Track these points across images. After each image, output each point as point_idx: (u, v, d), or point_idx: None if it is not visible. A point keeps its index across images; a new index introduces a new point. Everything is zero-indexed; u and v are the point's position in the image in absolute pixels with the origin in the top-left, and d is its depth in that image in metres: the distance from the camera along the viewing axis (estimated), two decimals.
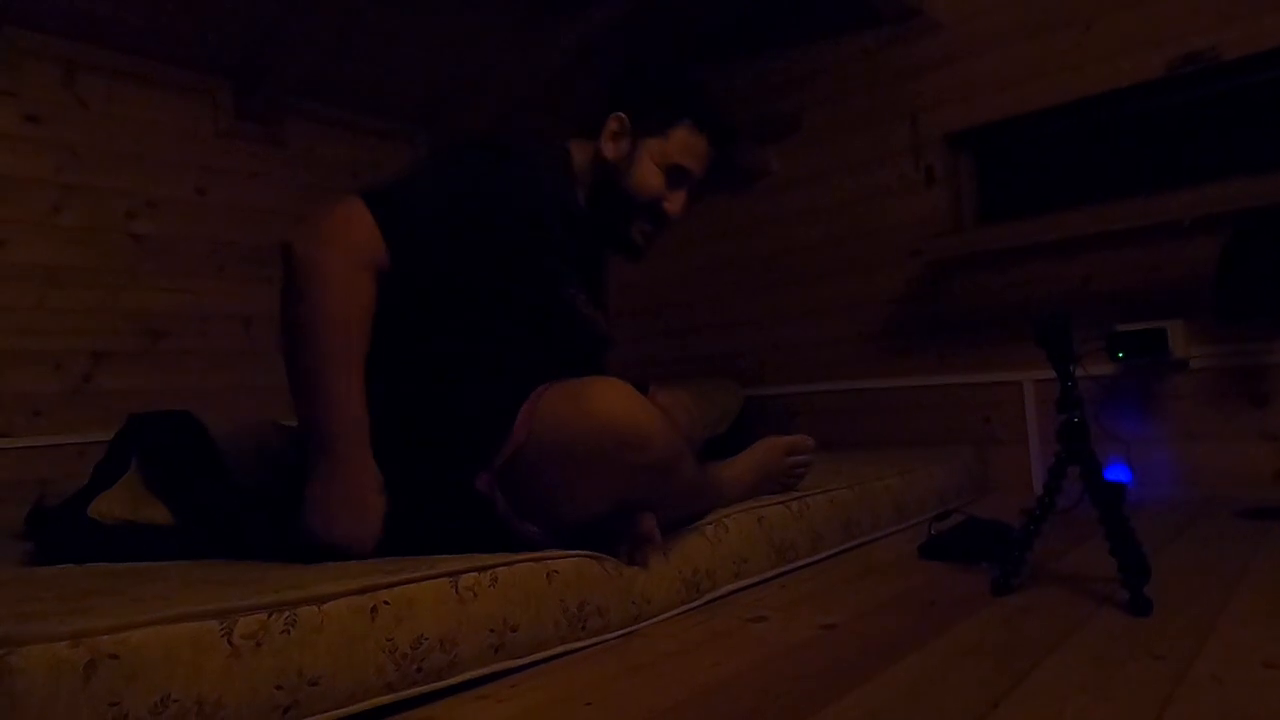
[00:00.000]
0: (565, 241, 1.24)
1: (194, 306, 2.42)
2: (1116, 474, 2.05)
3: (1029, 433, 2.26)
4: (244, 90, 2.52)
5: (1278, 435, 1.91)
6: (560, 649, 1.01)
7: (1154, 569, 1.09)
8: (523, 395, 1.09)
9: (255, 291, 2.55)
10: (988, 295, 2.34)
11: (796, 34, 2.75)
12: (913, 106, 2.49)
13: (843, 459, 2.03)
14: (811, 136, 2.71)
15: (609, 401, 1.04)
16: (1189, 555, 1.37)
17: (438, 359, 1.14)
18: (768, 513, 1.42)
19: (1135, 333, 2.02)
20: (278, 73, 2.45)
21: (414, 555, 1.03)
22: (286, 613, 0.78)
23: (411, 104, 2.85)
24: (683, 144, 1.29)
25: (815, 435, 1.65)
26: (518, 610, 0.97)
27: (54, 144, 2.20)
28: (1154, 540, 1.37)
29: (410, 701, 0.86)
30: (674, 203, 1.31)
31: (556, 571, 1.03)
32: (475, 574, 0.94)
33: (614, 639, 1.08)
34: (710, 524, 1.30)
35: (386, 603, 0.85)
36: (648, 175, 1.28)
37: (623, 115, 1.28)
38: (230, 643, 0.73)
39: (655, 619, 1.15)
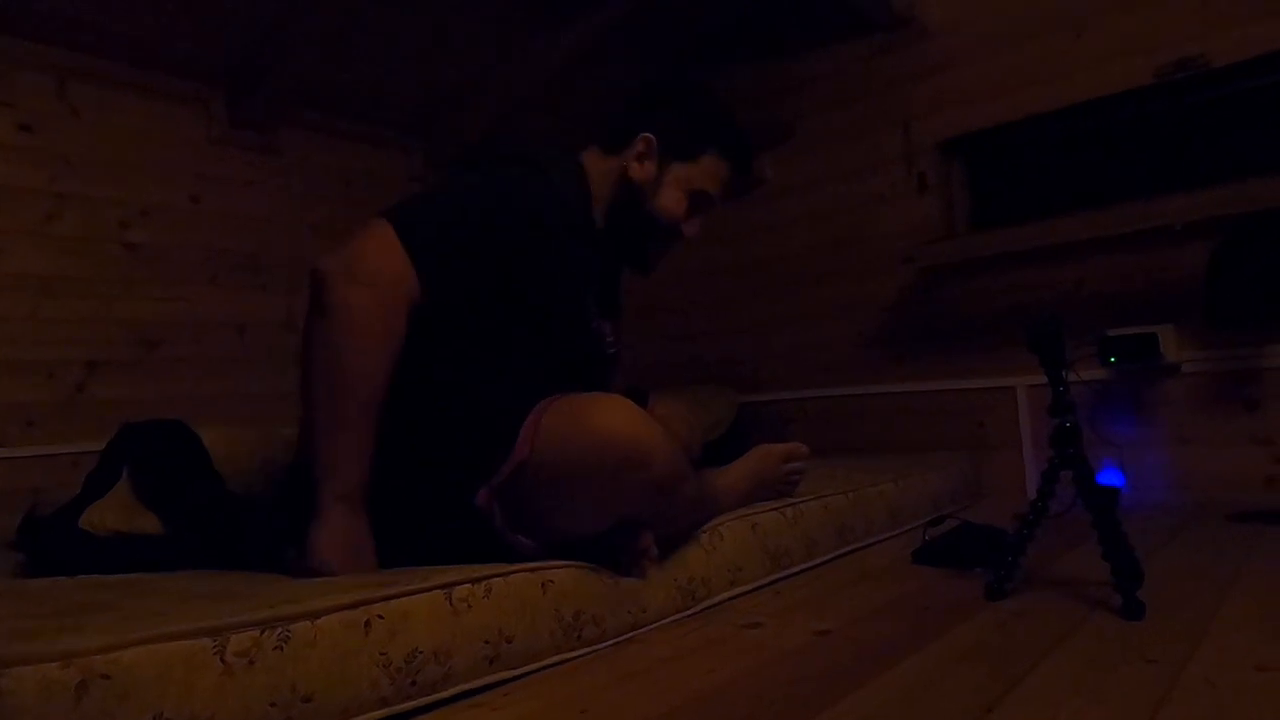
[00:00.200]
0: (585, 260, 1.24)
1: (188, 315, 2.41)
2: (1109, 478, 2.05)
3: (1022, 438, 2.26)
4: (239, 97, 2.52)
5: (1269, 440, 1.92)
6: (555, 658, 1.01)
7: (1146, 573, 1.10)
8: (526, 410, 1.08)
9: (249, 300, 2.55)
10: (980, 301, 2.35)
11: (790, 42, 2.76)
12: (905, 113, 2.50)
13: (837, 465, 2.03)
14: (805, 143, 2.73)
15: (612, 419, 1.03)
16: (1181, 559, 1.38)
17: (443, 373, 1.13)
18: (762, 519, 1.42)
19: (1127, 337, 2.03)
20: (274, 79, 2.45)
21: (408, 568, 1.03)
22: (279, 629, 0.77)
23: (410, 106, 2.86)
24: (708, 171, 1.30)
25: (810, 441, 1.65)
26: (512, 621, 0.97)
27: (47, 153, 2.19)
28: (1146, 544, 1.37)
29: (405, 715, 0.85)
30: (692, 226, 1.32)
31: (551, 581, 1.03)
32: (469, 585, 0.94)
33: (609, 647, 1.08)
34: (705, 532, 1.30)
35: (380, 616, 0.85)
36: (674, 200, 1.28)
37: (651, 137, 1.27)
38: (223, 660, 0.73)
39: (650, 626, 1.15)
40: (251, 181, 2.59)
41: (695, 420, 1.53)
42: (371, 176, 2.90)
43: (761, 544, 1.39)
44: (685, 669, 0.98)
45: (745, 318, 2.89)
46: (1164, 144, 2.18)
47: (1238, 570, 1.27)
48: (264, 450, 1.49)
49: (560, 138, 1.34)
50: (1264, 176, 1.86)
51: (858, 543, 1.65)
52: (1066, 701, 0.81)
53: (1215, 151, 2.09)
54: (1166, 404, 2.06)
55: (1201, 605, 1.09)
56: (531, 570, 1.02)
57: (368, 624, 0.83)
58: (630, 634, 1.12)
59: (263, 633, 0.76)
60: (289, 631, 0.78)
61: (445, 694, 0.89)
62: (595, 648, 1.06)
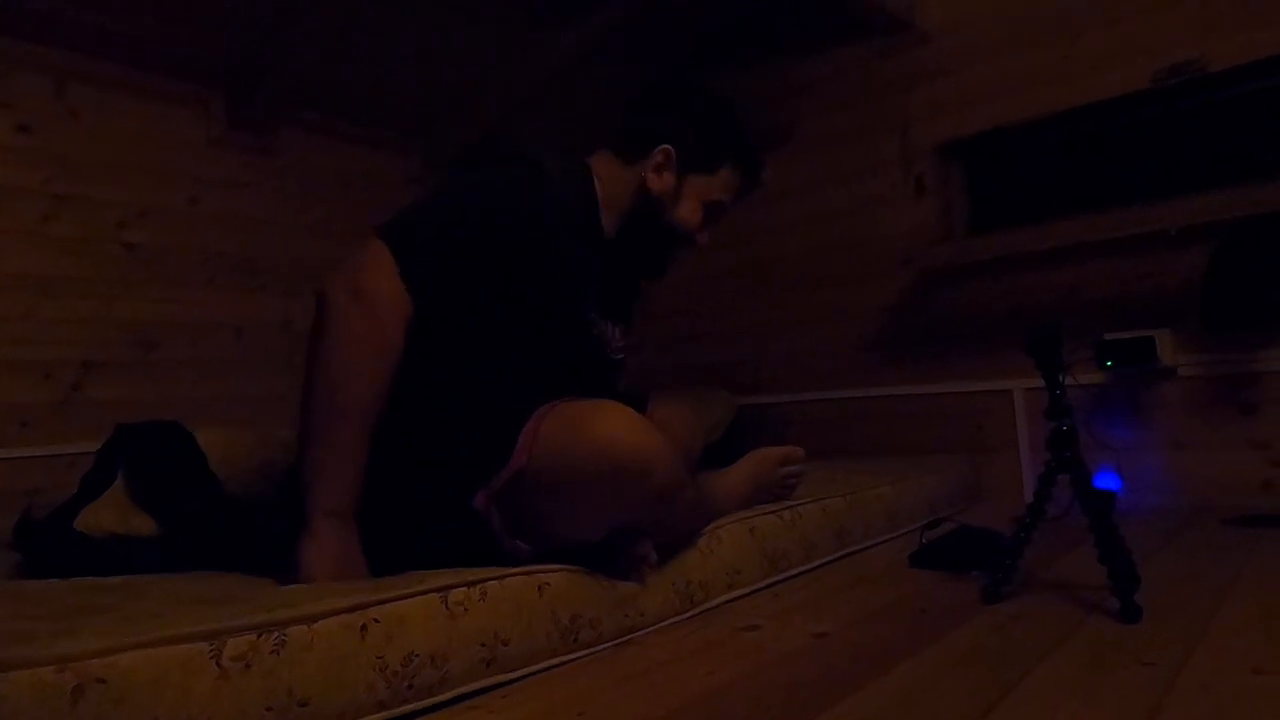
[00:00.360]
0: (586, 261, 1.23)
1: (185, 316, 2.41)
2: (1106, 482, 2.06)
3: (1019, 441, 2.27)
4: (238, 98, 2.52)
5: (1265, 444, 1.93)
6: (552, 661, 1.01)
7: (1143, 577, 1.10)
8: (525, 412, 1.08)
9: (247, 301, 2.55)
10: (978, 304, 2.36)
11: (789, 44, 2.77)
12: (903, 117, 2.51)
13: (835, 468, 2.03)
14: (804, 146, 2.73)
15: (612, 428, 1.02)
16: (1178, 563, 1.38)
17: (442, 373, 1.13)
18: (760, 523, 1.42)
19: (1124, 341, 2.04)
20: (274, 79, 2.45)
21: (404, 568, 1.02)
22: (276, 633, 0.77)
23: (410, 106, 2.86)
24: (725, 182, 1.32)
25: (808, 444, 1.66)
26: (509, 624, 0.96)
27: (45, 154, 2.19)
28: (1143, 548, 1.38)
29: (402, 719, 0.85)
30: (705, 235, 1.33)
31: (548, 584, 1.02)
32: (465, 589, 0.94)
33: (606, 649, 1.08)
34: (703, 535, 1.29)
35: (377, 620, 0.84)
36: (692, 212, 1.30)
37: (671, 150, 1.27)
38: (219, 664, 0.73)
39: (648, 629, 1.15)
40: (249, 183, 2.59)
41: (696, 423, 1.53)
42: (370, 178, 2.90)
43: (759, 547, 1.39)
44: (683, 671, 0.98)
45: (744, 320, 2.89)
46: (1161, 148, 2.19)
47: (1235, 574, 1.27)
48: (262, 452, 1.49)
49: (560, 138, 1.34)
50: (1260, 181, 1.87)
51: (855, 545, 1.65)
52: (1063, 705, 0.81)
53: (1212, 156, 2.10)
54: (1163, 408, 2.06)
55: (1198, 609, 1.10)
56: (528, 573, 1.01)
57: (364, 628, 0.83)
58: (627, 637, 1.12)
59: (259, 637, 0.76)
60: (285, 635, 0.77)
61: (442, 697, 0.89)
62: (592, 650, 1.06)
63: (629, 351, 1.42)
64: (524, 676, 0.97)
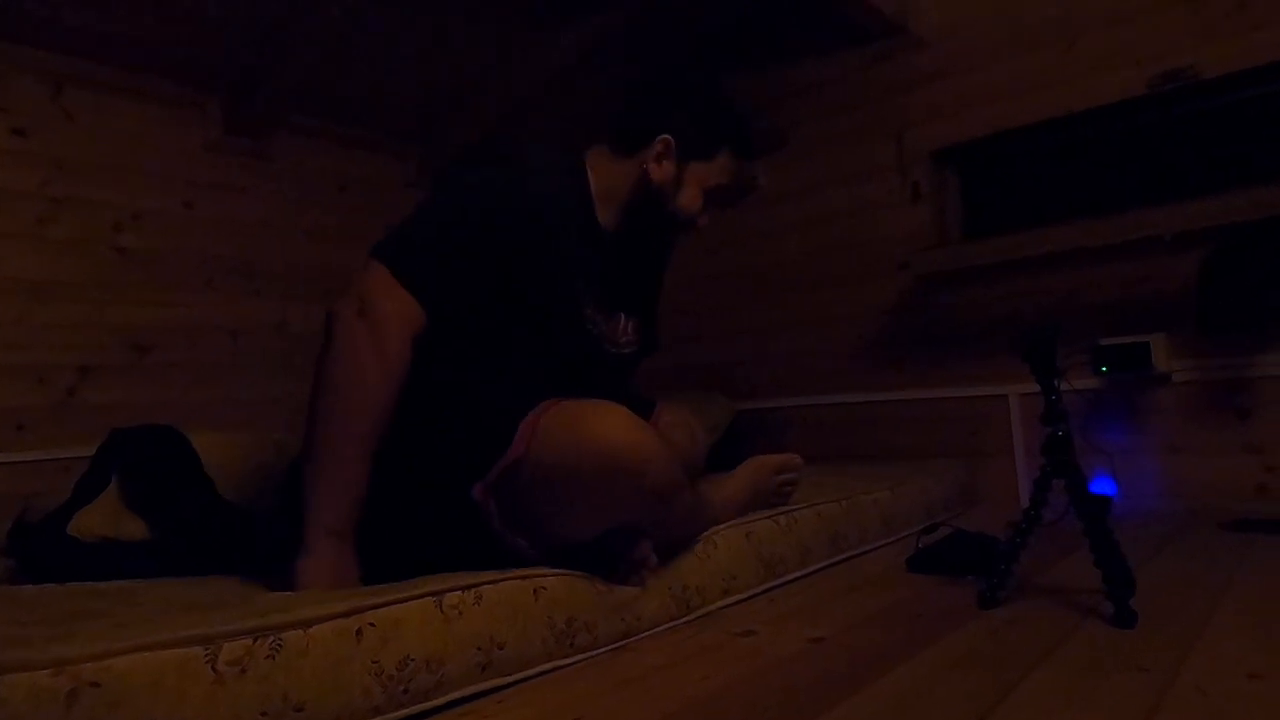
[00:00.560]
0: (583, 258, 1.24)
1: (181, 320, 2.41)
2: (1101, 487, 2.06)
3: (1015, 446, 2.27)
4: (236, 102, 2.52)
5: (1260, 448, 1.93)
6: (548, 666, 1.01)
7: (1138, 581, 1.10)
8: (525, 409, 1.09)
9: (243, 305, 2.54)
10: (973, 309, 2.36)
11: (786, 48, 2.77)
12: (899, 122, 2.52)
13: (831, 472, 2.03)
14: (801, 150, 2.74)
15: (608, 427, 1.03)
16: (1173, 567, 1.38)
17: (442, 373, 1.14)
18: (756, 528, 1.42)
19: (1119, 347, 2.04)
20: (274, 81, 2.45)
21: (404, 563, 1.03)
22: (271, 637, 0.77)
23: (410, 108, 2.86)
24: (723, 167, 1.32)
25: (804, 449, 1.65)
26: (504, 628, 0.96)
27: (40, 157, 2.19)
28: (1138, 553, 1.38)
29: None
30: (705, 218, 1.34)
31: (543, 588, 1.02)
32: (460, 593, 0.94)
33: (602, 654, 1.08)
34: (700, 540, 1.29)
35: (372, 624, 0.84)
36: (693, 199, 1.30)
37: (670, 139, 1.27)
38: (214, 669, 0.72)
39: (644, 634, 1.15)
40: (246, 187, 2.59)
41: (700, 428, 1.54)
42: (367, 182, 2.90)
43: (756, 552, 1.39)
44: (679, 676, 0.98)
45: (741, 324, 2.89)
46: (1156, 154, 2.20)
47: (1229, 578, 1.27)
48: (258, 455, 1.49)
49: (560, 138, 1.34)
50: (1253, 187, 1.88)
51: (852, 550, 1.65)
52: (1059, 709, 0.81)
53: (1207, 162, 2.11)
54: (1158, 412, 2.07)
55: (1193, 613, 1.10)
56: (523, 577, 1.01)
57: (359, 632, 0.83)
58: (623, 641, 1.12)
59: (255, 641, 0.76)
60: (281, 640, 0.77)
61: (438, 701, 0.89)
62: (588, 655, 1.06)
63: (649, 344, 1.42)
64: (520, 681, 0.97)
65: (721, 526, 1.36)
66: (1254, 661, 0.90)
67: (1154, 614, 1.08)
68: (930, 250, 2.42)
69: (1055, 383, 1.18)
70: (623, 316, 1.33)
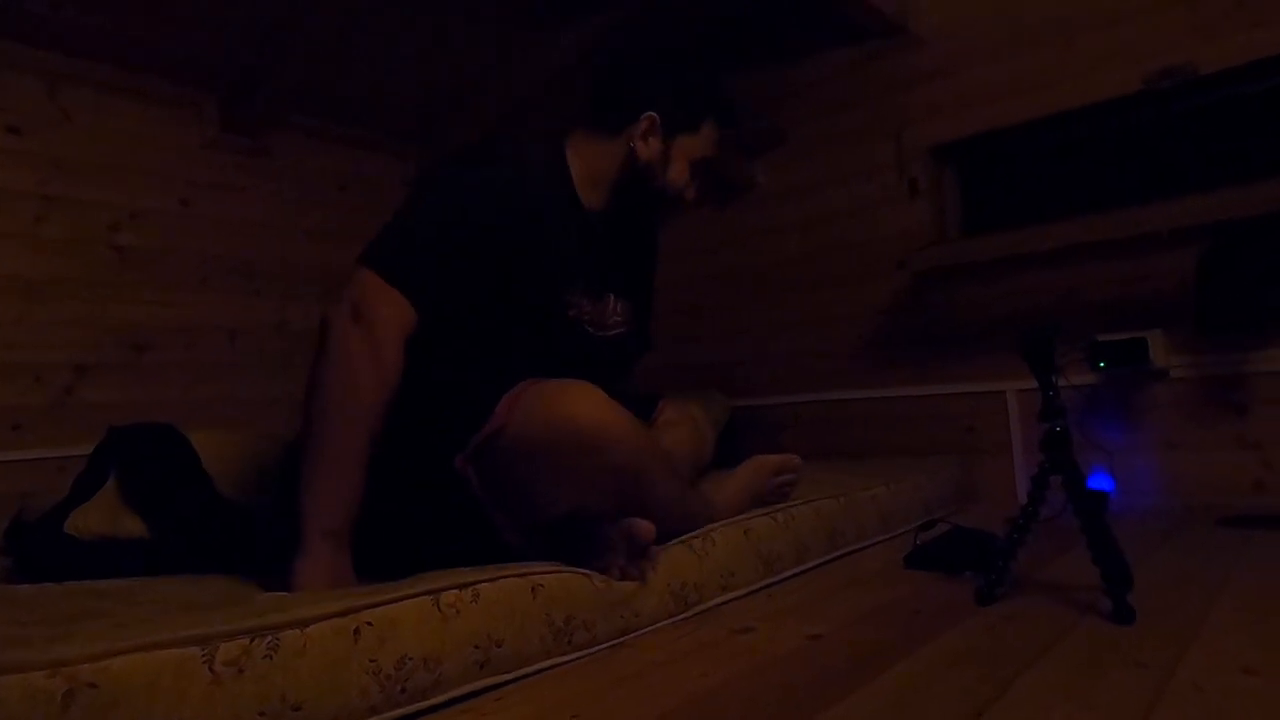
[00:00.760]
0: (566, 243, 1.24)
1: (179, 320, 2.40)
2: (1099, 483, 2.06)
3: (1013, 442, 2.27)
4: (235, 101, 2.51)
5: (1257, 444, 1.94)
6: (546, 663, 1.01)
7: (1136, 577, 1.10)
8: (507, 388, 1.11)
9: (241, 304, 2.54)
10: (971, 306, 2.36)
11: (784, 47, 2.77)
12: (899, 121, 2.52)
13: (829, 469, 2.04)
14: (800, 149, 2.73)
15: (573, 404, 1.06)
16: (1171, 564, 1.38)
17: (432, 367, 1.15)
18: (754, 524, 1.42)
19: (1116, 343, 2.04)
20: (273, 80, 2.44)
21: (392, 542, 1.05)
22: (269, 637, 0.77)
23: (410, 107, 2.85)
24: (709, 138, 1.33)
25: (802, 446, 1.66)
26: (502, 626, 0.96)
27: (36, 156, 2.19)
28: (1136, 549, 1.38)
29: None
30: (693, 190, 1.35)
31: (541, 586, 1.02)
32: (457, 591, 0.93)
33: (601, 651, 1.08)
34: (697, 537, 1.29)
35: (369, 624, 0.84)
36: (681, 172, 1.31)
37: (655, 116, 1.28)
38: (212, 669, 0.72)
39: (642, 631, 1.15)
40: (245, 186, 2.59)
41: (707, 423, 1.54)
42: (367, 182, 2.90)
43: (753, 549, 1.39)
44: (678, 673, 0.98)
45: (739, 322, 2.89)
46: (1152, 151, 2.20)
47: (1227, 575, 1.28)
48: (257, 453, 1.48)
49: (560, 138, 1.35)
50: (1251, 183, 1.88)
51: (849, 547, 1.66)
52: (1056, 706, 0.81)
53: (1204, 158, 2.11)
54: (1156, 409, 2.07)
55: (1191, 610, 1.10)
56: (521, 575, 1.01)
57: (357, 631, 0.83)
58: (622, 638, 1.12)
59: (252, 641, 0.75)
60: (278, 640, 0.77)
61: (435, 700, 0.88)
62: (586, 652, 1.06)
63: (642, 340, 1.42)
64: (518, 678, 0.97)
65: (719, 524, 1.36)
66: (1251, 658, 0.90)
67: (1151, 610, 1.08)
68: (929, 247, 2.42)
69: (1053, 379, 1.18)
70: (612, 298, 1.34)
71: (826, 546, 1.59)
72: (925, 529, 1.59)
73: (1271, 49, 1.93)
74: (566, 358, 1.25)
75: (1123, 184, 2.22)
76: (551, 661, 1.01)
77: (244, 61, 2.41)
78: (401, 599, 0.88)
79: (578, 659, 1.05)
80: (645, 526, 1.10)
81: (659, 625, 1.18)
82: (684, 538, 1.28)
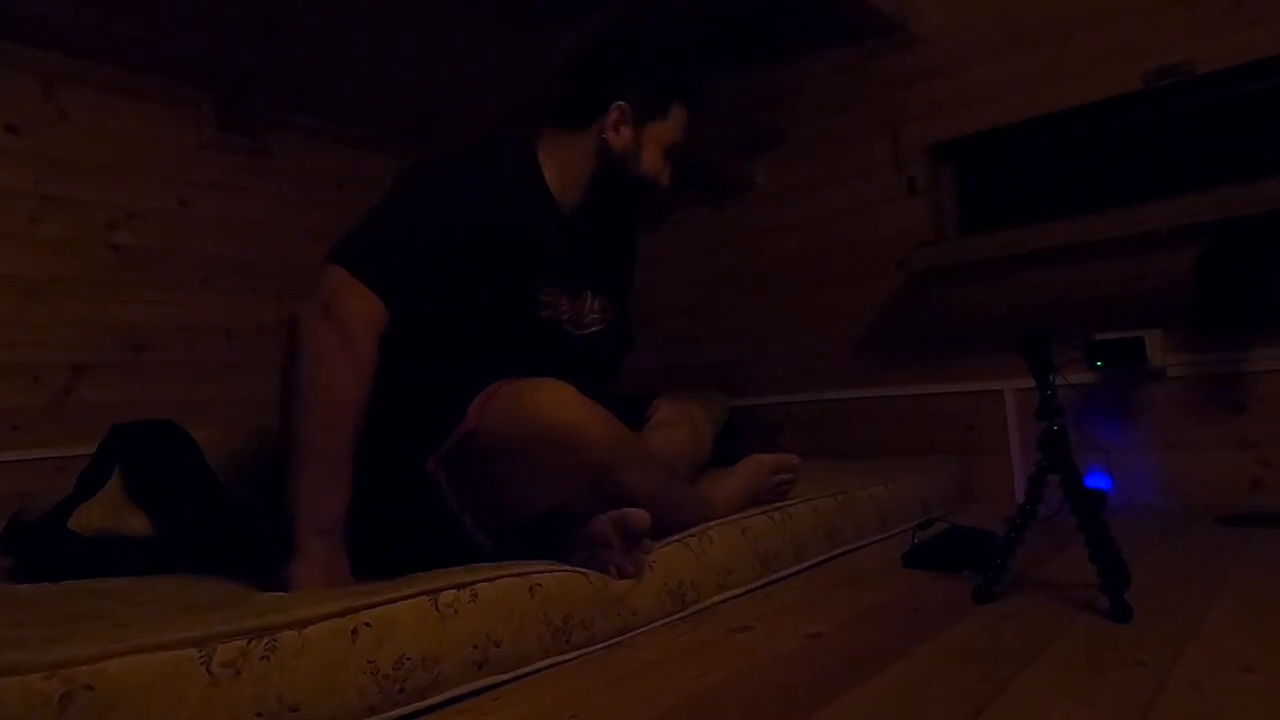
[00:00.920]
0: (539, 241, 1.24)
1: (177, 319, 2.40)
2: (1096, 482, 2.07)
3: (1011, 441, 2.27)
4: (234, 101, 2.51)
5: (1255, 443, 1.94)
6: (544, 663, 1.01)
7: (1134, 576, 1.11)
8: (479, 388, 1.11)
9: (239, 304, 2.54)
10: (969, 305, 2.36)
11: (784, 47, 2.77)
12: (896, 119, 2.52)
13: (827, 468, 2.04)
14: (799, 148, 2.73)
15: (544, 402, 1.06)
16: (1169, 562, 1.39)
17: (406, 366, 1.15)
18: (752, 523, 1.42)
19: (1114, 342, 2.04)
20: (273, 80, 2.44)
21: (368, 546, 1.04)
22: (266, 638, 0.76)
23: (410, 107, 2.85)
24: (679, 122, 1.33)
25: (801, 445, 1.66)
26: (500, 625, 0.96)
27: (33, 155, 2.18)
28: (1134, 547, 1.38)
29: None
30: (667, 176, 1.34)
31: (539, 585, 1.02)
32: (455, 591, 0.93)
33: (599, 650, 1.08)
34: (694, 535, 1.30)
35: (368, 624, 0.84)
36: (655, 159, 1.31)
37: (624, 105, 1.27)
38: (209, 671, 0.72)
39: (640, 630, 1.15)
40: (244, 186, 2.58)
41: (705, 421, 1.54)
42: (366, 182, 2.89)
43: (751, 547, 1.39)
44: (676, 672, 0.98)
45: (738, 323, 2.89)
46: (1151, 150, 2.20)
47: (1225, 573, 1.28)
48: (260, 451, 1.48)
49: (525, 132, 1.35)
50: (1248, 181, 1.88)
51: (847, 546, 1.66)
52: (1055, 704, 0.81)
53: (1201, 157, 2.11)
54: (1153, 408, 2.07)
55: (1189, 608, 1.10)
56: (519, 574, 1.01)
57: (355, 632, 0.83)
58: (619, 638, 1.12)
59: (249, 642, 0.75)
60: (276, 641, 0.77)
61: (434, 700, 0.88)
62: (584, 651, 1.06)
63: (625, 340, 1.42)
64: (516, 678, 0.97)
65: (716, 522, 1.36)
66: (1249, 656, 0.90)
67: (1150, 609, 1.08)
68: (927, 246, 2.42)
69: (1051, 378, 1.18)
70: (589, 295, 1.33)
71: (825, 545, 1.59)
72: (923, 528, 1.59)
73: (1270, 48, 1.93)
74: (545, 357, 1.25)
75: (1121, 183, 2.22)
76: (549, 661, 1.01)
77: (243, 61, 2.41)
78: (400, 599, 0.88)
79: (576, 658, 1.05)
80: (639, 515, 1.09)
81: (657, 624, 1.18)
82: (680, 536, 1.28)
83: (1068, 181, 2.33)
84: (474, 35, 2.60)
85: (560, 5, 2.51)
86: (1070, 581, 1.26)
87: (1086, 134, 2.29)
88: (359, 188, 2.86)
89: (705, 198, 2.93)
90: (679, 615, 1.22)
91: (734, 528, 1.38)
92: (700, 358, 2.98)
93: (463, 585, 0.95)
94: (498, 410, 1.08)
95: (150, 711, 0.68)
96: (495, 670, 0.95)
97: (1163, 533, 1.63)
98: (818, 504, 1.60)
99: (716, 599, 1.30)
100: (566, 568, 1.08)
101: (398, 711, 0.85)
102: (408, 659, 0.86)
